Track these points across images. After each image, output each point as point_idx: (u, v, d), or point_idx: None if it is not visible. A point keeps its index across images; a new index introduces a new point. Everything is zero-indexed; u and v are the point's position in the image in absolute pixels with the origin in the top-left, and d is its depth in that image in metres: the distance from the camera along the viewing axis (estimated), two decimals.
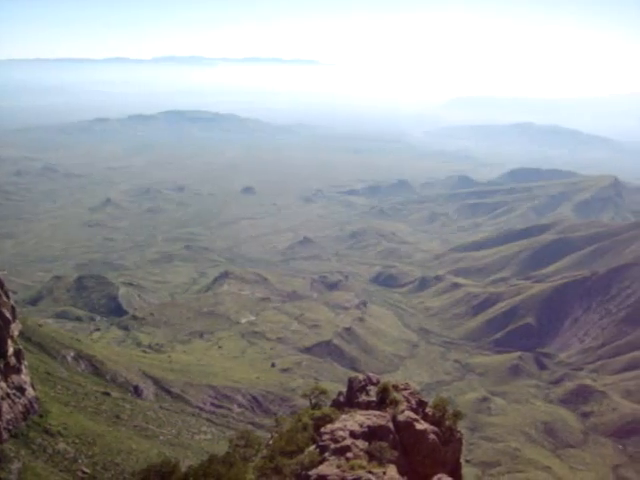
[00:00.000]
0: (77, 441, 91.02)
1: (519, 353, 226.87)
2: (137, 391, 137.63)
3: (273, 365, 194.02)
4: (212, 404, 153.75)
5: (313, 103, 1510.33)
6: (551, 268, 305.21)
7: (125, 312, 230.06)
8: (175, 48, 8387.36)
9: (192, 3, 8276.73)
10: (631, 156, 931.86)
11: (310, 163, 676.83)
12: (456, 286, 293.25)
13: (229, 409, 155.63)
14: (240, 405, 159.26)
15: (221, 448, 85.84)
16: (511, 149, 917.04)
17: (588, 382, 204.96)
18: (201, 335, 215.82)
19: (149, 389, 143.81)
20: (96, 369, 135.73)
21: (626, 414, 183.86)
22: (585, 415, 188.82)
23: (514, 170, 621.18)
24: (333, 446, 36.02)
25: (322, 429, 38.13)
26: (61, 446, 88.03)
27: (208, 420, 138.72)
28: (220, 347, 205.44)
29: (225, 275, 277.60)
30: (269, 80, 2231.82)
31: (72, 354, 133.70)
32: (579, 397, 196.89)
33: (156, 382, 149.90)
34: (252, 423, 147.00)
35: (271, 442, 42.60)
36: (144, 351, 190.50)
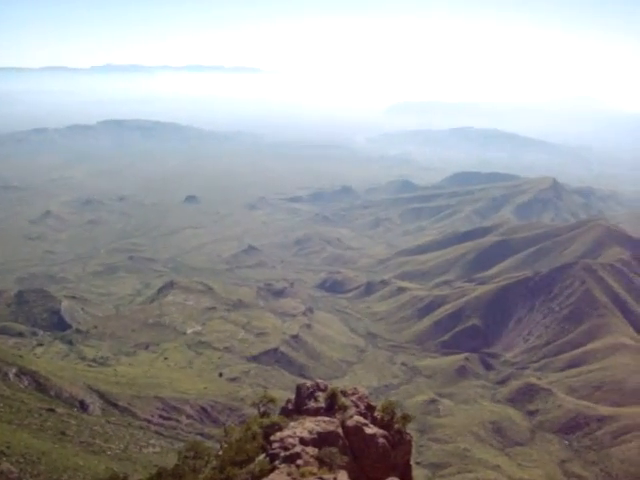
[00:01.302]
0: (21, 460, 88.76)
1: (465, 354, 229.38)
2: (83, 406, 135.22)
3: (221, 375, 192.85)
4: (160, 416, 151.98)
5: (256, 111, 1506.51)
6: (495, 269, 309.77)
7: (68, 326, 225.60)
8: (114, 57, 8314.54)
9: (130, 11, 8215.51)
10: (568, 158, 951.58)
11: (253, 171, 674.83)
12: (402, 290, 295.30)
13: (177, 421, 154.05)
14: (188, 416, 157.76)
15: (170, 461, 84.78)
16: (452, 153, 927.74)
17: (533, 380, 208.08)
18: (147, 347, 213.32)
19: (95, 403, 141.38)
20: (40, 385, 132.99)
21: (570, 410, 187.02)
22: (531, 413, 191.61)
23: (456, 174, 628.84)
24: (283, 454, 35.78)
25: (271, 437, 37.86)
26: (4, 466, 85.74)
27: (156, 433, 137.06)
28: (166, 358, 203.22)
29: (170, 285, 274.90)
30: (210, 88, 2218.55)
31: (14, 370, 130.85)
32: (525, 396, 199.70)
33: (102, 396, 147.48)
34: (201, 434, 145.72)
35: (221, 452, 42.12)
36: (89, 365, 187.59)
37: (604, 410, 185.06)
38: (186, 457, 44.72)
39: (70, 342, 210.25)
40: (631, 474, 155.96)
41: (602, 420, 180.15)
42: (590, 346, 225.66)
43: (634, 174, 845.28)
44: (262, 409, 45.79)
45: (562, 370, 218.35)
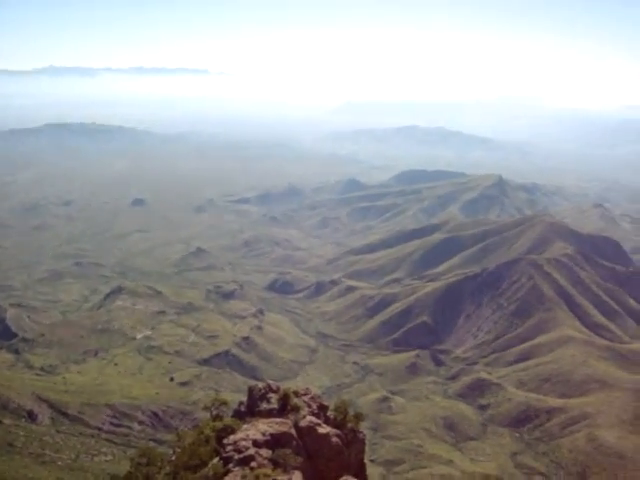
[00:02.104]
0: None
1: (416, 351, 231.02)
2: (31, 416, 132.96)
3: (172, 379, 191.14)
4: (111, 423, 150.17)
5: (202, 112, 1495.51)
6: (443, 267, 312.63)
7: (14, 334, 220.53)
8: (56, 59, 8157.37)
9: (71, 12, 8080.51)
10: (512, 155, 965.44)
11: (201, 173, 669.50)
12: (351, 289, 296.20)
13: (129, 427, 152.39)
14: (140, 422, 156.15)
15: (123, 468, 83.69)
16: (398, 152, 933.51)
17: (483, 375, 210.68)
18: (96, 353, 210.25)
19: (44, 413, 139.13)
20: None
21: (520, 403, 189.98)
22: (482, 407, 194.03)
23: (402, 172, 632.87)
24: (237, 457, 35.64)
25: (225, 440, 37.68)
26: None
27: (108, 440, 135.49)
28: (116, 364, 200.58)
29: (118, 290, 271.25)
30: (156, 90, 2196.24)
31: None
32: (476, 390, 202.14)
33: (51, 405, 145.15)
34: (154, 440, 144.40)
35: (174, 458, 41.79)
36: (37, 374, 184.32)
37: (553, 402, 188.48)
38: (139, 464, 44.22)
39: (16, 351, 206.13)
40: (580, 463, 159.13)
41: (551, 412, 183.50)
42: (538, 340, 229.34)
43: (577, 168, 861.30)
44: (214, 412, 45.53)
45: (511, 364, 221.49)
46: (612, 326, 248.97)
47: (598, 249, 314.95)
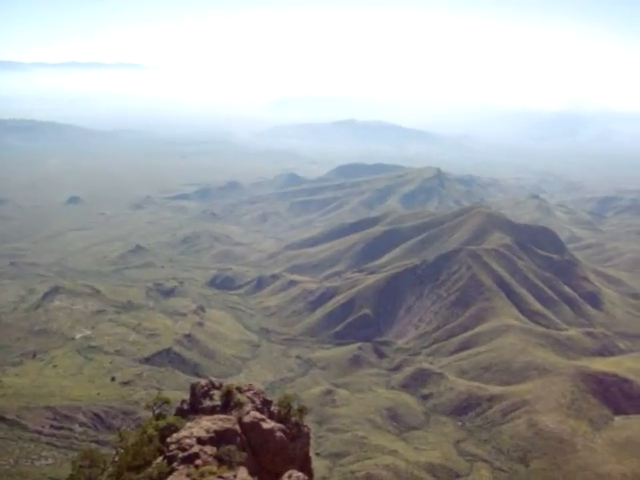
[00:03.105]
0: None
1: (359, 344, 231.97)
2: None
3: (113, 379, 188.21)
4: (51, 426, 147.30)
5: (138, 108, 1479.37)
6: (383, 259, 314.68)
7: None
8: None
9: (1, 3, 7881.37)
10: (450, 148, 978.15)
11: (137, 169, 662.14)
12: (293, 283, 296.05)
13: (70, 429, 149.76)
14: (82, 424, 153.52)
15: (64, 472, 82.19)
16: (337, 146, 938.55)
17: (425, 365, 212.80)
18: (34, 355, 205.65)
19: None
20: None
21: (462, 392, 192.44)
22: (425, 397, 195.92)
23: (341, 166, 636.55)
24: (181, 455, 35.27)
25: (168, 439, 37.25)
26: None
27: (49, 444, 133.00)
28: (55, 366, 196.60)
29: (55, 290, 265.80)
30: (90, 85, 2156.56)
31: None
32: (418, 381, 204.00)
33: None
34: (96, 441, 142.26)
35: (117, 458, 41.15)
36: None
37: (494, 390, 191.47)
38: (81, 467, 43.38)
39: None
40: (521, 448, 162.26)
41: (492, 399, 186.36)
42: (478, 329, 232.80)
43: (513, 161, 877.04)
44: (157, 411, 44.97)
45: (452, 354, 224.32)
46: (549, 313, 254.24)
47: (535, 239, 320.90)
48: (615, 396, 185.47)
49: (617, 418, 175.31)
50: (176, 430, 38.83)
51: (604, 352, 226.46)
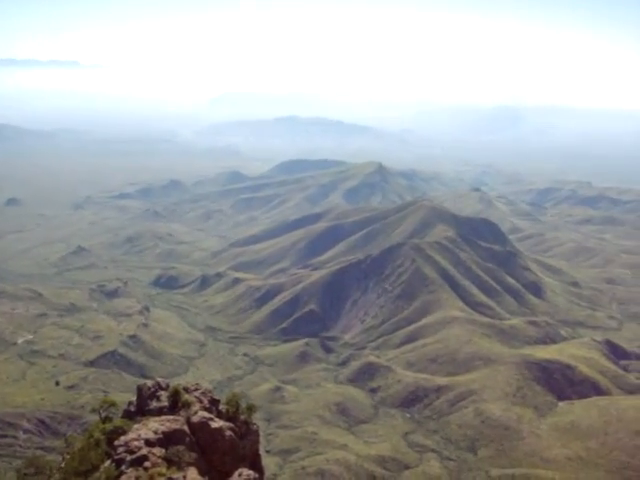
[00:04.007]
0: None
1: (305, 340, 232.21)
2: None
3: (57, 383, 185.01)
4: None
5: (76, 106, 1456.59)
6: (328, 254, 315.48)
7: None
8: None
9: None
10: (392, 142, 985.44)
11: (77, 169, 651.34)
12: (238, 281, 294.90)
13: (14, 437, 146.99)
14: (26, 431, 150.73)
15: None
16: (279, 142, 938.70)
17: (372, 359, 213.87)
18: None
19: None
20: None
21: (409, 384, 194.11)
22: (373, 390, 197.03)
23: (284, 163, 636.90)
24: (129, 458, 34.77)
25: (116, 442, 36.71)
26: None
27: None
28: None
29: None
30: (27, 83, 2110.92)
31: None
32: (366, 374, 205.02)
33: None
34: (42, 448, 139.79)
35: (63, 464, 40.40)
36: None
37: (440, 380, 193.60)
38: (26, 474, 42.48)
39: None
40: (469, 437, 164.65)
41: (439, 390, 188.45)
42: (423, 321, 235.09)
43: (454, 155, 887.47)
44: (103, 414, 44.31)
45: (399, 346, 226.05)
46: (493, 304, 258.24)
47: (477, 231, 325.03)
48: (558, 382, 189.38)
49: (561, 404, 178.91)
50: (123, 433, 38.28)
51: (547, 340, 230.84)
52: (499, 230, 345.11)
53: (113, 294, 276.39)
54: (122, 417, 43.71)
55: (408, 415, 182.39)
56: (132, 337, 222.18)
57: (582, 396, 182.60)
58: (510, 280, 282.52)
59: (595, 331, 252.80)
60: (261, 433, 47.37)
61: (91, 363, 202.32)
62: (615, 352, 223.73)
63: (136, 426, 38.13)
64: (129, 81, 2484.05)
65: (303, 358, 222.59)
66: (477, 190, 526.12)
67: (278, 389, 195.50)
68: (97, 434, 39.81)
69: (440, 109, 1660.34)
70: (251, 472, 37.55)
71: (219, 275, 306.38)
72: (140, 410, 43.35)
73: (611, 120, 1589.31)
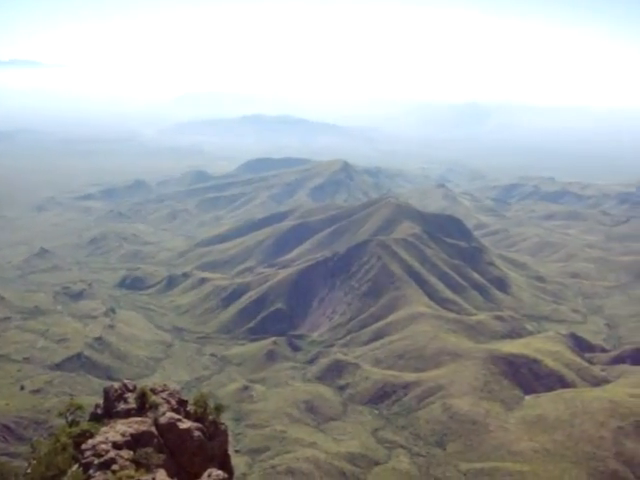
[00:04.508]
0: None
1: (273, 338, 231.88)
2: None
3: (22, 388, 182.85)
4: None
5: (38, 107, 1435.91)
6: (294, 253, 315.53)
7: None
8: None
9: None
10: (357, 140, 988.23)
11: (39, 170, 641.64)
12: (204, 281, 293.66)
13: None
14: None
15: None
16: (244, 141, 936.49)
17: (340, 356, 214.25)
18: None
19: None
20: None
21: (378, 380, 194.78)
22: (341, 388, 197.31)
23: (249, 161, 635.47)
24: (97, 461, 34.33)
25: (83, 446, 36.25)
26: None
27: None
28: None
29: None
30: None
31: None
32: (334, 372, 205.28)
33: None
34: (6, 454, 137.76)
35: (29, 470, 39.82)
36: None
37: (408, 377, 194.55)
38: None
39: None
40: (437, 433, 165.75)
41: (407, 386, 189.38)
42: (391, 318, 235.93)
43: (419, 152, 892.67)
44: (70, 418, 43.72)
45: (367, 343, 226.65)
46: (459, 299, 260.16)
47: (442, 227, 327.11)
48: (525, 376, 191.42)
49: (527, 397, 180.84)
50: (91, 436, 37.80)
51: (513, 334, 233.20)
52: (464, 226, 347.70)
53: (78, 296, 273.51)
54: (89, 420, 43.20)
55: (377, 412, 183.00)
56: (98, 339, 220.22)
57: (548, 389, 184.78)
58: (476, 276, 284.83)
59: (560, 325, 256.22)
60: (230, 433, 47.20)
61: (57, 366, 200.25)
62: (580, 345, 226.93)
63: (103, 429, 37.70)
64: (91, 80, 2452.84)
65: (271, 357, 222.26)
66: (442, 187, 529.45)
67: (246, 388, 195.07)
68: (64, 438, 39.28)
69: (405, 107, 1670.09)
70: (220, 472, 37.28)
71: (185, 275, 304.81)
72: (107, 413, 42.88)
73: (574, 117, 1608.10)
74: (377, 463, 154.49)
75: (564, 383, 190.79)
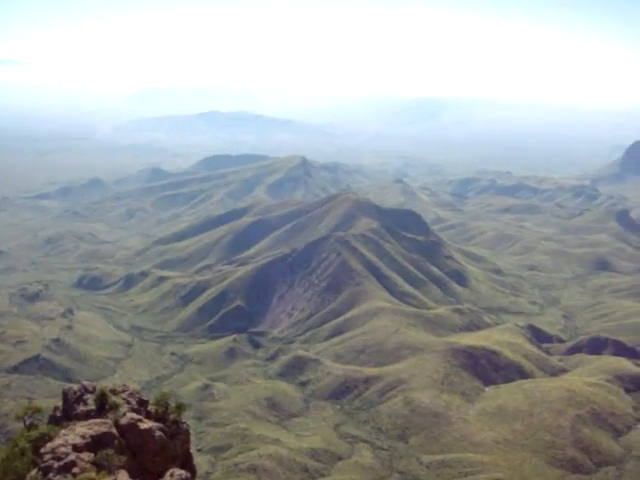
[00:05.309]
0: None
1: (233, 336, 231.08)
2: None
3: None
4: None
5: None
6: (253, 249, 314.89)
7: None
8: None
9: None
10: (314, 136, 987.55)
11: None
12: (163, 279, 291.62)
13: None
14: None
15: None
16: (201, 138, 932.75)
17: (301, 353, 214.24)
18: None
19: None
20: None
21: (339, 376, 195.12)
22: (303, 384, 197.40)
23: (207, 158, 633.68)
24: (56, 465, 33.83)
25: (42, 449, 35.74)
26: None
27: None
28: None
29: None
30: None
31: None
32: (295, 368, 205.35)
33: None
34: None
35: None
36: None
37: (369, 371, 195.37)
38: None
39: None
40: (399, 426, 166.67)
41: (368, 381, 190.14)
42: (350, 313, 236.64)
43: (376, 147, 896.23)
44: (28, 421, 43.06)
45: (327, 339, 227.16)
46: (418, 294, 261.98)
47: (401, 222, 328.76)
48: (484, 368, 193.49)
49: (488, 389, 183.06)
50: (50, 439, 37.33)
51: (472, 327, 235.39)
52: (422, 221, 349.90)
53: (34, 297, 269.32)
54: (48, 423, 42.61)
55: (338, 407, 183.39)
56: (56, 341, 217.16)
57: (507, 380, 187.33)
58: (434, 270, 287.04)
59: (518, 317, 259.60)
60: (192, 432, 46.87)
61: (14, 369, 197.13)
62: (537, 336, 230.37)
63: (63, 431, 37.17)
64: (44, 77, 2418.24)
65: (231, 354, 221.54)
66: (400, 182, 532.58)
67: (207, 387, 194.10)
68: (22, 442, 38.68)
69: (361, 101, 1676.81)
70: (183, 472, 36.99)
71: (144, 274, 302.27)
72: (66, 415, 42.32)
73: (530, 111, 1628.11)
74: (340, 458, 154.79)
75: (523, 374, 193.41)
